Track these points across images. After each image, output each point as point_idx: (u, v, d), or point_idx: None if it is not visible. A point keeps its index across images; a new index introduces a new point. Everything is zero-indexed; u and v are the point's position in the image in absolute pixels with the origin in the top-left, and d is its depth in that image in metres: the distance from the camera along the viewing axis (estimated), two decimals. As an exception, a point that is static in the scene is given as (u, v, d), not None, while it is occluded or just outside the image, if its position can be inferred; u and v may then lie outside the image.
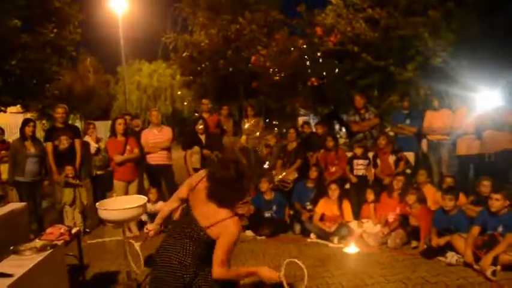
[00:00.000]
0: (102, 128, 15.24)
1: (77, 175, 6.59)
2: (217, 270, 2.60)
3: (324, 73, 10.62)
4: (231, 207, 2.73)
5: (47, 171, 6.74)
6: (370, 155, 7.05)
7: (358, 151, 6.92)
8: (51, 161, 6.55)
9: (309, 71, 10.81)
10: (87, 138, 7.39)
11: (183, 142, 7.91)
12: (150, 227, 3.18)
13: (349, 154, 7.26)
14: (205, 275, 2.68)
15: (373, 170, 6.90)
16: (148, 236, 3.16)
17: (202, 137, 7.11)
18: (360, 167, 6.88)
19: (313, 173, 6.66)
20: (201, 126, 7.11)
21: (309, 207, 6.47)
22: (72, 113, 19.98)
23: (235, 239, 2.65)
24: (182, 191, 2.94)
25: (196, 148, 7.05)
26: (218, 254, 2.61)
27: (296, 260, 3.17)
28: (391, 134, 7.95)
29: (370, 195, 6.20)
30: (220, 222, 2.64)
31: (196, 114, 8.17)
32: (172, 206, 3.08)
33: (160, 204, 6.74)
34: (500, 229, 4.60)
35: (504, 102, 6.75)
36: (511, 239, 4.46)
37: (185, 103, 25.80)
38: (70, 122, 7.73)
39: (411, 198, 5.63)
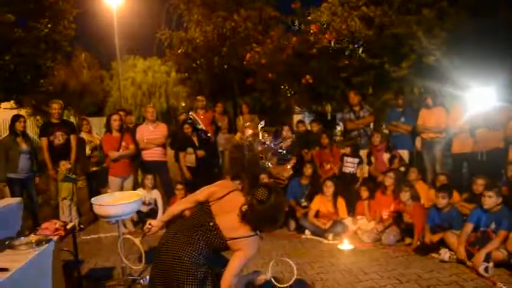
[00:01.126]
0: (96, 124, 15.17)
1: (74, 170, 6.60)
2: (230, 280, 2.60)
3: (319, 71, 10.64)
4: (260, 230, 2.75)
5: (39, 167, 6.72)
6: (365, 152, 7.10)
7: (348, 149, 6.98)
8: (47, 156, 6.53)
9: (304, 68, 10.84)
10: (82, 135, 7.36)
11: (171, 142, 7.86)
12: (154, 223, 3.13)
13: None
14: (212, 274, 2.72)
15: (366, 168, 6.94)
16: (150, 232, 3.12)
17: (195, 138, 7.15)
18: (348, 165, 6.94)
19: (308, 170, 6.68)
20: (189, 129, 7.18)
21: (304, 204, 6.49)
22: (67, 109, 19.85)
23: (253, 255, 2.71)
24: (201, 196, 2.92)
25: (189, 149, 7.11)
26: (234, 266, 2.63)
27: (285, 258, 3.35)
28: (386, 131, 7.99)
29: (365, 193, 6.24)
30: (244, 238, 2.67)
31: (191, 113, 8.15)
32: (186, 206, 3.08)
33: (155, 192, 6.74)
34: (492, 226, 4.65)
35: (497, 101, 6.78)
36: (504, 235, 4.51)
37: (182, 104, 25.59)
38: (64, 117, 7.68)
39: (405, 195, 5.65)
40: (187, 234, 2.72)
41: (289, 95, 12.23)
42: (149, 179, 6.70)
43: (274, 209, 2.67)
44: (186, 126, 7.24)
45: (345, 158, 6.99)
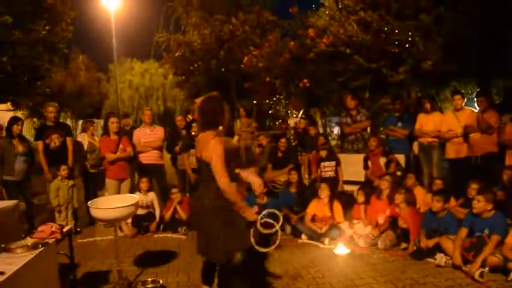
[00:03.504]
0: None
1: (72, 174, 6.58)
2: (222, 180, 3.08)
3: (316, 75, 10.68)
4: (214, 127, 3.27)
5: (36, 169, 6.70)
6: (361, 156, 7.10)
7: (323, 153, 7.01)
8: (42, 159, 6.51)
9: (301, 72, 10.88)
10: (83, 136, 7.33)
11: (168, 145, 7.82)
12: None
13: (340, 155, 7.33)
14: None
15: (358, 172, 6.96)
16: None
17: None
18: (327, 169, 6.96)
19: (293, 177, 6.76)
20: (196, 129, 7.12)
21: (296, 209, 6.45)
22: (63, 111, 19.81)
23: (222, 151, 3.13)
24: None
25: (192, 150, 7.07)
26: (217, 168, 3.10)
27: (274, 211, 3.66)
28: (383, 136, 8.02)
29: (361, 197, 6.23)
30: (207, 146, 3.17)
31: (189, 116, 8.14)
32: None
33: (151, 194, 6.73)
34: (487, 231, 4.65)
35: (490, 106, 6.80)
36: (496, 240, 4.52)
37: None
38: (61, 120, 7.66)
39: (398, 197, 5.64)
40: (202, 184, 3.34)
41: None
42: (144, 182, 6.68)
43: (214, 100, 3.39)
44: (194, 125, 7.14)
45: (322, 164, 7.02)
